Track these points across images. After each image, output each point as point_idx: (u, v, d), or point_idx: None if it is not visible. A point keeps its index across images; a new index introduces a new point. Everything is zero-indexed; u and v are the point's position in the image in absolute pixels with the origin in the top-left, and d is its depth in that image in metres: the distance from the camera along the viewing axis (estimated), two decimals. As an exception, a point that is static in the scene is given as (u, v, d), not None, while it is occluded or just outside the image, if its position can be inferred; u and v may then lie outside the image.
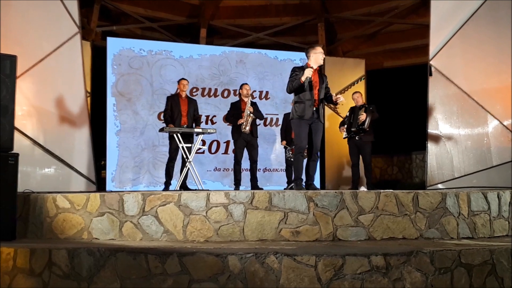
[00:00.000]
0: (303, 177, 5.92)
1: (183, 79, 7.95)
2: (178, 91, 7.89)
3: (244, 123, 7.72)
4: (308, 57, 5.89)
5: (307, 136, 5.81)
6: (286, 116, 8.60)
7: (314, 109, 5.78)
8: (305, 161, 6.02)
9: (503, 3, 6.77)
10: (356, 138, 7.99)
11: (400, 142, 10.83)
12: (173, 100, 7.76)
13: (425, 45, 7.25)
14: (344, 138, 8.25)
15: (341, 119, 9.58)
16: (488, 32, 6.77)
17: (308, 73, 5.67)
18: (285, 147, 8.56)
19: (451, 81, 6.71)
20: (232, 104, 8.19)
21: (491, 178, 6.35)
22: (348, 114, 8.25)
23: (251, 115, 7.76)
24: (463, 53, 6.78)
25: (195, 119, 7.89)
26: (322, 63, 5.91)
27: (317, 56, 5.84)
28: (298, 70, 5.83)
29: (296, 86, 5.73)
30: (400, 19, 10.56)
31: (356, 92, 8.54)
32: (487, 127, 6.59)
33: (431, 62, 6.80)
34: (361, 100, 8.24)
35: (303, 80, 5.68)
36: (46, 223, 4.61)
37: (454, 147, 6.57)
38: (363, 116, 7.84)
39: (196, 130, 7.51)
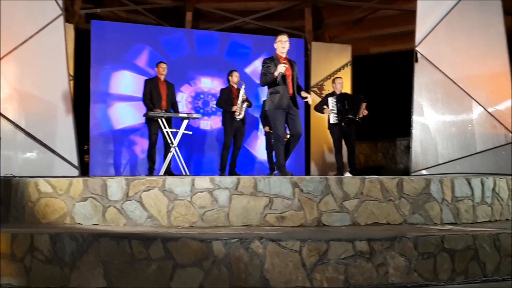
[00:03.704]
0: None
1: (161, 62, 7.84)
2: (157, 74, 7.78)
3: (238, 111, 7.71)
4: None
5: (284, 124, 5.87)
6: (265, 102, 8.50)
7: (290, 98, 5.82)
8: None
9: (489, -10, 6.78)
10: (343, 124, 7.99)
11: (384, 128, 10.87)
12: (152, 84, 7.66)
13: (411, 31, 7.23)
14: (333, 123, 8.17)
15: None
16: (474, 19, 6.78)
17: (281, 69, 5.71)
18: (268, 133, 8.48)
19: (436, 67, 6.71)
20: (222, 90, 8.18)
21: (475, 164, 6.40)
22: (335, 100, 8.12)
23: (246, 102, 7.76)
24: (449, 40, 6.78)
25: (173, 104, 7.81)
26: (284, 51, 5.87)
27: (277, 45, 5.90)
28: (269, 62, 5.85)
29: (269, 81, 5.79)
30: (387, 5, 10.53)
31: (339, 78, 8.50)
32: (471, 113, 6.62)
33: (417, 49, 6.79)
34: (341, 87, 8.26)
35: (276, 76, 5.73)
36: (28, 207, 4.56)
37: (439, 134, 6.60)
38: (366, 112, 7.99)
39: (181, 115, 7.46)
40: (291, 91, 5.85)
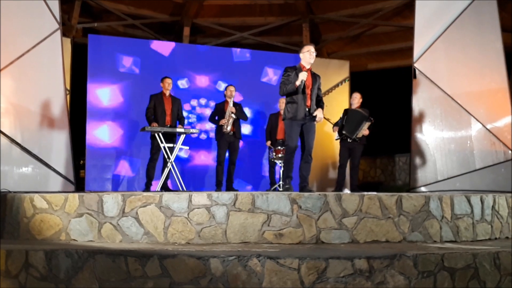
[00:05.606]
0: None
1: (166, 77, 7.84)
2: (162, 89, 7.78)
3: (226, 124, 7.70)
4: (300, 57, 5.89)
5: (298, 137, 5.78)
6: (272, 116, 8.55)
7: (307, 109, 5.74)
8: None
9: (486, 7, 6.81)
10: (349, 141, 7.82)
11: (383, 144, 10.85)
12: (156, 99, 7.66)
13: (409, 47, 7.26)
14: (336, 139, 8.07)
15: (327, 121, 9.53)
16: (472, 36, 6.81)
17: (302, 76, 5.63)
18: (269, 148, 8.46)
19: (435, 84, 6.73)
20: (216, 104, 8.27)
21: (474, 181, 6.38)
22: (342, 116, 8.03)
23: (233, 115, 7.76)
24: (447, 56, 6.81)
25: (179, 118, 7.80)
26: (311, 61, 5.83)
27: (304, 56, 5.83)
28: (290, 71, 5.78)
29: (290, 90, 5.70)
30: (385, 21, 10.58)
31: (355, 93, 8.34)
32: (470, 130, 6.62)
33: (415, 65, 6.81)
34: (357, 102, 8.10)
35: (298, 84, 5.64)
36: (23, 223, 4.49)
37: (438, 150, 6.60)
38: (366, 132, 7.75)
39: (178, 130, 7.42)
40: (308, 102, 5.76)
